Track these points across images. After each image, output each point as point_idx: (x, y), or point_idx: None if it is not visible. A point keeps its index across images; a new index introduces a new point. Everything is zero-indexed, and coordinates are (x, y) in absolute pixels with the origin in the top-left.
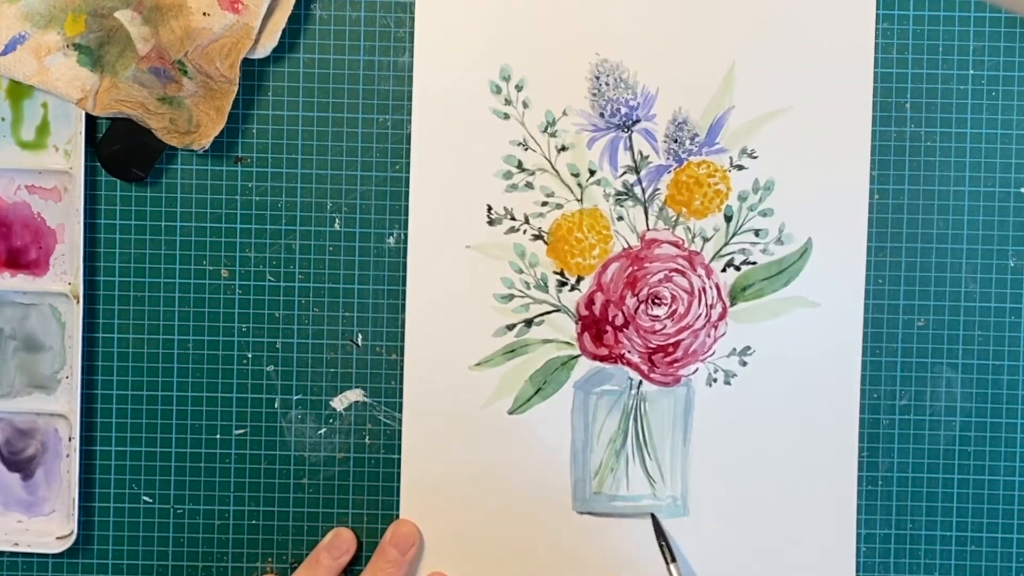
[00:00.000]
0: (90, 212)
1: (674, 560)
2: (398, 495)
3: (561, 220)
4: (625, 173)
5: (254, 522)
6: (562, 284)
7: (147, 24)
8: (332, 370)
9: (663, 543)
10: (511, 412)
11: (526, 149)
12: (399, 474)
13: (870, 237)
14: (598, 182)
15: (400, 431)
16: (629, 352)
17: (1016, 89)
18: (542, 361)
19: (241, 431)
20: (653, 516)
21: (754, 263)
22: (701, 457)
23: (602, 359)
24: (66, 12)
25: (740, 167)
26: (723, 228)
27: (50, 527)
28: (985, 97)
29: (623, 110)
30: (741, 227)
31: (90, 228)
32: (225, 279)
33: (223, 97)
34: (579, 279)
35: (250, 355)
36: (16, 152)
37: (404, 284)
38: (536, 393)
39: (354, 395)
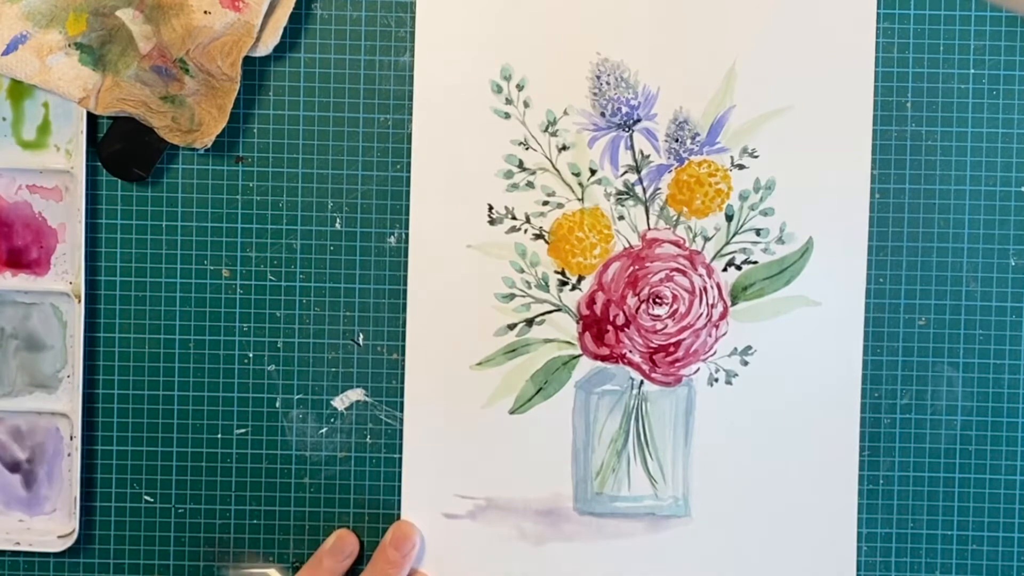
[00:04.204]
0: (91, 212)
1: None
2: (399, 494)
3: (562, 219)
4: (626, 172)
5: (255, 521)
6: (563, 283)
7: (149, 23)
8: (333, 369)
9: None
10: (512, 412)
11: (527, 148)
12: (400, 473)
13: (871, 236)
14: (599, 181)
15: (401, 431)
16: (630, 352)
17: (1016, 88)
18: (543, 361)
19: (242, 430)
20: None
21: (755, 262)
22: (702, 457)
23: (603, 359)
24: (67, 11)
25: (741, 166)
26: (724, 227)
27: (51, 526)
28: (986, 96)
29: (624, 109)
30: (742, 226)
31: (91, 228)
32: (226, 278)
33: (225, 95)
34: (580, 278)
35: (251, 354)
36: (17, 152)
37: (405, 283)
38: (537, 393)
39: (355, 394)
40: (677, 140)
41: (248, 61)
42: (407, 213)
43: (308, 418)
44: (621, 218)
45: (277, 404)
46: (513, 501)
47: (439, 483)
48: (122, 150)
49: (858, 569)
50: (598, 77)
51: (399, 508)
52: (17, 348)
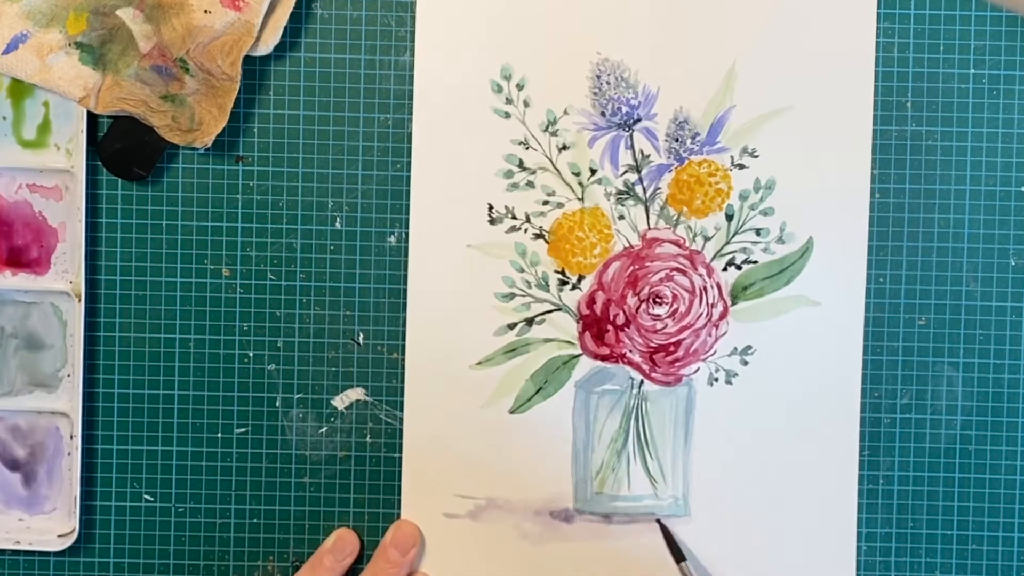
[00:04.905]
0: (91, 211)
1: (684, 559)
2: (399, 494)
3: (562, 219)
4: (626, 172)
5: (255, 521)
6: (563, 283)
7: (149, 22)
8: (333, 369)
9: (672, 544)
10: (512, 411)
11: (527, 148)
12: (400, 473)
13: (871, 236)
14: (599, 181)
15: (401, 430)
16: (630, 351)
17: (1016, 88)
18: (543, 360)
19: (242, 430)
20: (660, 522)
21: (755, 262)
22: (702, 457)
23: (603, 358)
24: (68, 11)
25: (741, 166)
26: (724, 227)
27: (51, 525)
28: (986, 96)
29: (624, 109)
30: (742, 226)
31: (91, 227)
32: (226, 278)
33: (225, 95)
34: (580, 278)
35: (251, 354)
36: (17, 151)
37: (405, 283)
38: (537, 392)
39: (355, 394)
40: (677, 140)
41: (248, 61)
42: (407, 213)
43: (308, 418)
44: (621, 218)
45: (277, 404)
46: (513, 501)
47: (439, 483)
48: (122, 149)
49: (858, 569)
50: (598, 77)
51: (399, 508)
52: (17, 347)
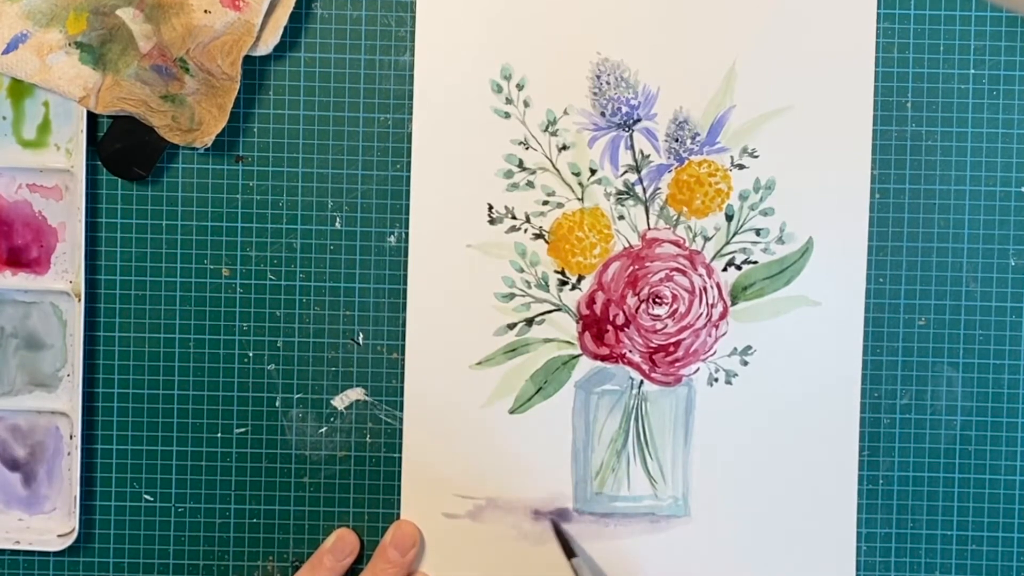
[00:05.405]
0: (91, 211)
1: (574, 555)
2: (399, 494)
3: (562, 219)
4: (626, 172)
5: (255, 520)
6: (563, 283)
7: (149, 22)
8: (333, 369)
9: (563, 541)
10: (512, 411)
11: (527, 148)
12: (400, 473)
13: (871, 236)
14: (599, 181)
15: (401, 430)
16: (630, 351)
17: (1016, 88)
18: (543, 360)
19: (242, 430)
20: (553, 521)
21: (755, 262)
22: (702, 457)
23: (603, 359)
24: (68, 10)
25: (741, 166)
26: (724, 227)
27: (51, 525)
28: (986, 96)
29: (624, 109)
30: (742, 226)
31: (91, 227)
32: (226, 278)
33: (225, 95)
34: (580, 278)
35: (251, 354)
36: (17, 151)
37: (405, 283)
38: (537, 392)
39: (355, 394)
40: (677, 140)
41: (248, 60)
42: (407, 213)
43: (308, 417)
44: (621, 218)
45: (277, 404)
46: (513, 501)
47: (439, 483)
48: (122, 149)
49: (858, 569)
50: (598, 77)
51: (399, 508)
52: (17, 347)
